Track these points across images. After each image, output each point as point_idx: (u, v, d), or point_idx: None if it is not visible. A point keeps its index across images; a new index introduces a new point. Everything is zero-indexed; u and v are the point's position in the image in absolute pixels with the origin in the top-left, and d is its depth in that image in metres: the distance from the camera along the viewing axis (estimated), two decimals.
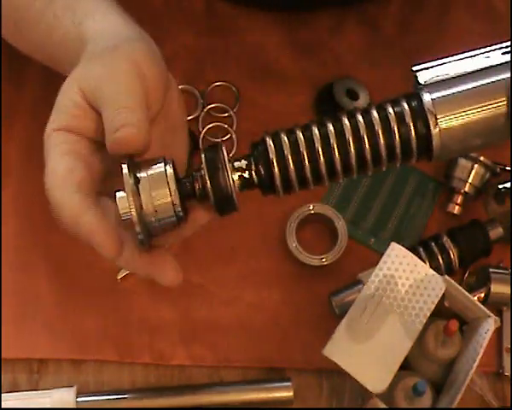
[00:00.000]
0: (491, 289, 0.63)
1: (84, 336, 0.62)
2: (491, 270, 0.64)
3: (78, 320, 0.63)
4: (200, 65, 0.73)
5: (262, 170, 0.46)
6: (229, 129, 0.70)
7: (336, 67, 0.73)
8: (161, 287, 0.64)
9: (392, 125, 0.45)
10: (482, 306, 0.57)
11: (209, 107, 0.71)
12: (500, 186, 0.67)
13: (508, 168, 0.68)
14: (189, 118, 0.70)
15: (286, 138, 0.46)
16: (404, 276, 0.57)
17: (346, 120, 0.45)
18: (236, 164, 0.46)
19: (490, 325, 0.56)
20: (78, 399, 0.59)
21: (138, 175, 0.45)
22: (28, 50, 0.57)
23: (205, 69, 0.73)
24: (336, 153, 0.45)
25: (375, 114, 0.45)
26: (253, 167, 0.46)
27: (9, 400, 0.59)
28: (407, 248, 0.58)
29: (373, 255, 0.64)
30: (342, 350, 0.54)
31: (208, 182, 0.45)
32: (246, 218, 0.67)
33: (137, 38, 0.51)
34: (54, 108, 0.48)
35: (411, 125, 0.45)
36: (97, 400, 0.60)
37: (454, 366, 0.57)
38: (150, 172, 0.45)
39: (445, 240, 0.64)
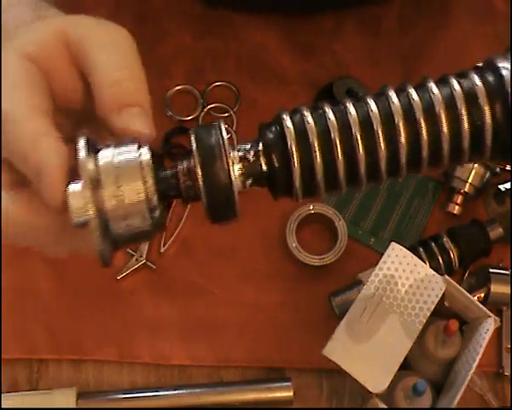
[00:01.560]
0: (491, 289, 0.63)
1: (84, 336, 0.62)
2: (491, 270, 0.64)
3: (78, 320, 0.63)
4: (200, 65, 0.73)
5: (276, 162, 0.34)
6: (229, 129, 0.70)
7: (336, 67, 0.73)
8: (161, 287, 0.64)
9: (459, 106, 0.33)
10: (482, 306, 0.57)
11: (209, 107, 0.71)
12: (500, 186, 0.67)
13: (508, 168, 0.68)
14: (188, 118, 0.70)
15: (311, 118, 0.34)
16: (404, 276, 0.57)
17: (394, 97, 0.34)
18: (239, 153, 0.34)
19: (490, 325, 0.56)
20: (78, 399, 0.59)
21: (101, 160, 0.33)
22: None
23: (205, 69, 0.72)
24: (381, 142, 0.33)
25: (434, 89, 0.33)
26: (263, 158, 0.34)
27: (9, 400, 0.59)
28: (407, 248, 0.58)
29: (373, 255, 0.64)
30: (342, 350, 0.54)
31: (200, 176, 0.33)
32: (245, 218, 0.66)
33: None
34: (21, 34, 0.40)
35: (487, 107, 0.33)
36: (97, 400, 0.60)
37: (454, 365, 0.57)
38: (118, 157, 0.33)
39: (445, 240, 0.64)
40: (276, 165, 0.34)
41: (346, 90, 0.70)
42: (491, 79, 0.34)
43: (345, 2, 0.74)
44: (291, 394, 0.60)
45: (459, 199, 0.67)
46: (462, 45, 0.75)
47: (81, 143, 0.33)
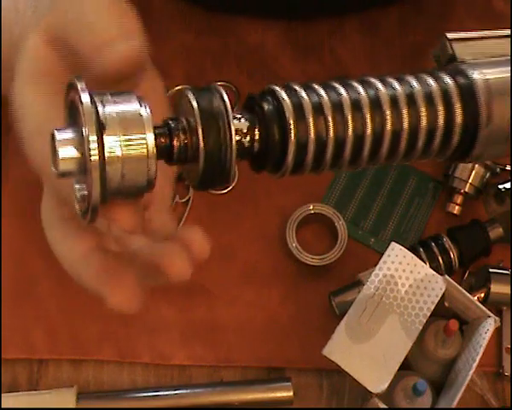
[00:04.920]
0: (491, 289, 0.63)
1: (84, 336, 0.62)
2: (491, 270, 0.64)
3: (78, 320, 0.63)
4: (200, 65, 0.73)
5: (275, 135, 0.33)
6: None
7: (336, 67, 0.73)
8: (161, 287, 0.64)
9: (436, 102, 0.35)
10: (482, 306, 0.57)
11: None
12: (500, 186, 0.67)
13: (508, 168, 0.68)
14: None
15: (304, 93, 0.35)
16: (404, 276, 0.57)
17: (380, 86, 0.35)
18: (235, 121, 0.33)
19: (490, 325, 0.56)
20: (78, 399, 0.59)
21: (101, 109, 0.31)
22: None
23: (205, 69, 0.72)
24: (368, 126, 0.34)
25: (415, 84, 0.35)
26: (259, 130, 0.34)
27: (9, 400, 0.59)
28: (407, 249, 0.58)
29: (373, 255, 0.64)
30: (342, 350, 0.54)
31: (201, 138, 0.32)
32: (245, 217, 0.67)
33: None
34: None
35: (459, 107, 0.35)
36: (97, 400, 0.60)
37: (454, 365, 0.57)
38: (119, 107, 0.32)
39: (445, 240, 0.64)
40: (276, 137, 0.33)
41: None
42: (461, 81, 0.36)
43: (345, 9, 0.74)
44: (291, 394, 0.60)
45: (459, 199, 0.67)
46: None
47: (80, 85, 0.31)
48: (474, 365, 0.54)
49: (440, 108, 0.35)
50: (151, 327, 0.63)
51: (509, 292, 0.63)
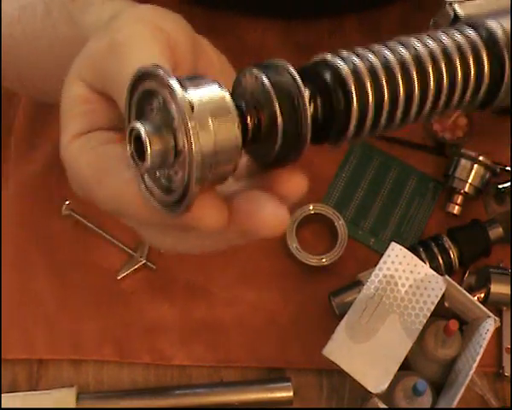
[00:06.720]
0: (491, 289, 0.63)
1: (84, 336, 0.62)
2: (491, 270, 0.64)
3: (78, 320, 0.63)
4: None
5: (342, 103, 0.33)
6: None
7: None
8: (161, 287, 0.64)
9: (467, 56, 0.36)
10: (482, 306, 0.57)
11: None
12: (500, 186, 0.67)
13: (508, 168, 0.68)
14: None
15: (356, 57, 0.35)
16: (404, 276, 0.57)
17: (418, 44, 0.36)
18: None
19: (490, 325, 0.56)
20: (78, 399, 0.59)
21: (189, 98, 0.30)
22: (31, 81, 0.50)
23: None
24: (416, 84, 0.35)
25: (447, 41, 0.37)
26: (321, 99, 0.33)
27: (9, 400, 0.59)
28: (407, 248, 0.58)
29: (373, 255, 0.64)
30: (342, 350, 0.54)
31: (279, 114, 0.31)
32: None
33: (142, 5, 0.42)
34: (61, 115, 0.39)
35: (485, 60, 0.37)
36: (97, 400, 0.60)
37: (454, 366, 0.57)
38: (205, 95, 0.31)
39: (445, 240, 0.64)
40: (342, 106, 0.33)
41: None
42: (484, 35, 0.37)
43: (345, 9, 0.74)
44: (291, 394, 0.60)
45: (459, 199, 0.67)
46: None
47: (164, 71, 0.30)
48: (474, 365, 0.54)
49: (471, 60, 0.36)
50: (151, 327, 0.63)
51: (509, 292, 0.63)
